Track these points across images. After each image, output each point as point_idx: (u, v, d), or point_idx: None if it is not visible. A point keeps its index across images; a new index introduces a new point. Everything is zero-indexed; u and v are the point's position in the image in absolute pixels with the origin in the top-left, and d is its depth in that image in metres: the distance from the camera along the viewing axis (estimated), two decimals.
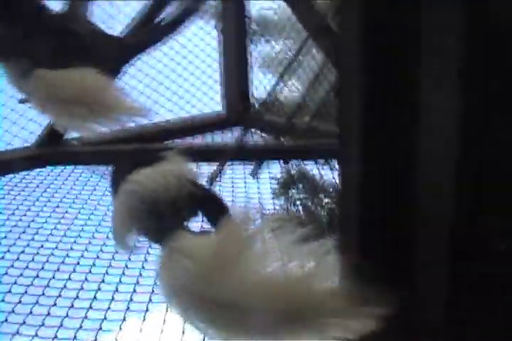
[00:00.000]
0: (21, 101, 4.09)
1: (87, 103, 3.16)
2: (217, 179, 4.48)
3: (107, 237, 3.71)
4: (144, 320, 3.24)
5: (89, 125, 3.18)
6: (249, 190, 4.61)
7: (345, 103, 1.92)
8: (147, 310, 3.30)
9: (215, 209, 2.81)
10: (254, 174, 4.68)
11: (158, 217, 2.66)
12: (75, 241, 3.79)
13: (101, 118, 3.16)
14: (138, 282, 3.49)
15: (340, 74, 1.98)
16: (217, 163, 4.51)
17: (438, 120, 1.66)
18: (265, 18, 5.57)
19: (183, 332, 3.11)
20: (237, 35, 5.31)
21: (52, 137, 4.57)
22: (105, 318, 3.23)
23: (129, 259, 3.59)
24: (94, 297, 3.37)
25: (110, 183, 3.20)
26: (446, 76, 1.60)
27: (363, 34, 1.75)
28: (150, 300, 3.35)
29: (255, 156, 4.77)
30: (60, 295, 3.34)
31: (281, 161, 4.90)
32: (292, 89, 5.28)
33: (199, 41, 5.35)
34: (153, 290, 3.37)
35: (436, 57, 1.63)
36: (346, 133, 1.93)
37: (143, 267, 3.57)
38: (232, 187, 4.58)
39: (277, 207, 4.64)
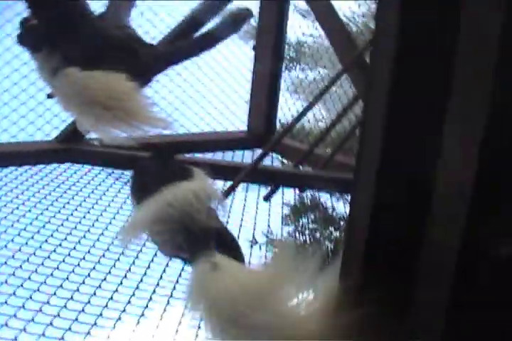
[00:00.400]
0: (49, 96, 4.14)
1: (109, 107, 3.18)
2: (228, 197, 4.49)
3: (112, 242, 3.72)
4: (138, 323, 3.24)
5: (109, 129, 3.21)
6: (259, 212, 4.60)
7: (366, 141, 1.92)
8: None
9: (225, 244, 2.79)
10: (268, 197, 4.67)
11: (190, 233, 2.67)
12: (79, 241, 3.78)
13: (122, 124, 3.18)
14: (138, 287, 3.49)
15: (366, 112, 1.98)
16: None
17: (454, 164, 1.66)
18: (303, 46, 5.60)
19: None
20: (273, 58, 5.33)
21: (75, 134, 4.58)
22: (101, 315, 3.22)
23: (134, 263, 3.61)
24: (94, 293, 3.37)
25: (132, 186, 3.24)
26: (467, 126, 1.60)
27: (391, 83, 1.76)
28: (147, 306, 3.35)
29: (271, 180, 4.75)
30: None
31: (297, 188, 4.89)
32: (319, 119, 5.30)
33: (235, 60, 5.37)
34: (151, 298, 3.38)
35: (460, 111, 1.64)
36: (362, 170, 1.94)
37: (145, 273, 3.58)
38: (244, 207, 4.58)
39: (285, 234, 4.65)
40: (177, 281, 3.48)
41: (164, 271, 3.58)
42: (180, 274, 3.48)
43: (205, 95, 5.26)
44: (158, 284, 3.50)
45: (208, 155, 5.16)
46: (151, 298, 3.39)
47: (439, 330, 1.74)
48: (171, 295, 3.42)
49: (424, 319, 1.82)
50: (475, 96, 1.54)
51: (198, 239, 2.64)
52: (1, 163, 4.38)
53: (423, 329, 1.81)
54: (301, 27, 5.55)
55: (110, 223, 4.00)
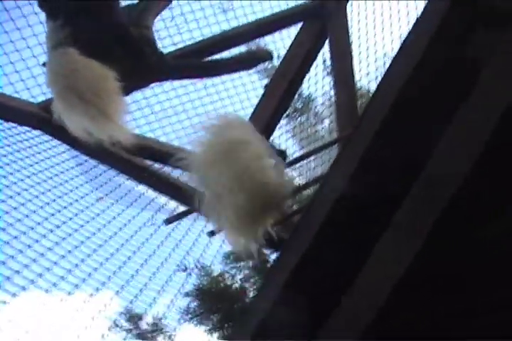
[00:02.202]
0: (43, 65, 4.10)
1: (86, 99, 3.14)
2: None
3: None
4: None
5: (75, 119, 3.17)
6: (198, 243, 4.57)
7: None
8: None
9: None
10: (212, 234, 4.61)
11: None
12: None
13: (89, 120, 3.14)
14: None
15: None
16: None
17: None
18: (312, 101, 5.59)
19: None
20: (278, 103, 5.30)
21: None
22: None
23: None
24: None
25: None
26: None
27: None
28: None
29: None
30: None
31: None
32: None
33: (243, 91, 5.35)
34: None
35: None
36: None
37: None
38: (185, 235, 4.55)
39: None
40: None
41: None
42: None
43: (199, 114, 5.21)
44: None
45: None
46: None
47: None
48: None
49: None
50: None
51: None
52: None
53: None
54: (317, 83, 5.50)
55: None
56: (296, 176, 5.24)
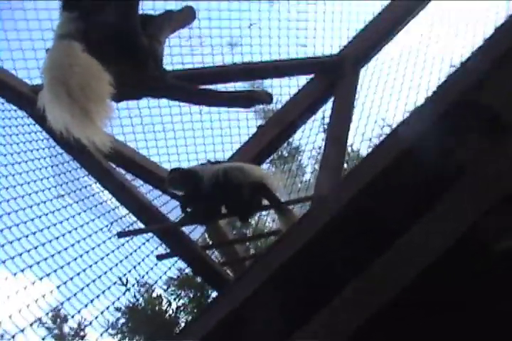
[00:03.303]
0: (46, 51, 4.07)
1: (74, 97, 3.09)
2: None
3: None
4: None
5: (57, 112, 3.12)
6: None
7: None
8: None
9: None
10: (161, 258, 4.55)
11: None
12: None
13: (70, 117, 3.09)
14: None
15: None
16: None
17: None
18: (299, 153, 5.59)
19: None
20: (266, 146, 5.29)
21: None
22: None
23: None
24: None
25: None
26: None
27: None
28: None
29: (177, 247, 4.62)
30: None
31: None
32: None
33: (235, 126, 5.33)
34: None
35: None
36: None
37: None
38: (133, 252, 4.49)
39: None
40: None
41: None
42: None
43: (186, 137, 5.17)
44: None
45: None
46: None
47: None
48: None
49: None
50: None
51: None
52: None
53: None
54: (309, 136, 5.50)
55: None
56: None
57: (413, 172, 1.84)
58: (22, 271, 3.58)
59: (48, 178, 4.22)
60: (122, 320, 4.42)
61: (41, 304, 3.68)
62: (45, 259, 3.80)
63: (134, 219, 4.52)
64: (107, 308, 4.05)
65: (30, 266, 3.63)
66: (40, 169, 4.22)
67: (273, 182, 4.37)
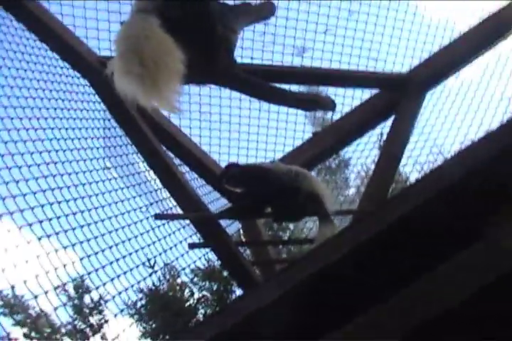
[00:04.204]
0: (121, 23, 4.07)
1: (147, 68, 3.08)
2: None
3: None
4: None
5: (125, 79, 3.10)
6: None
7: None
8: None
9: None
10: (193, 246, 4.51)
11: None
12: None
13: (139, 85, 3.07)
14: None
15: None
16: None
17: None
18: (347, 163, 5.54)
19: None
20: (317, 155, 5.25)
21: None
22: None
23: None
24: None
25: None
26: None
27: None
28: None
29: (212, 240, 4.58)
30: None
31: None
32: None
33: (291, 129, 5.29)
34: None
35: None
36: None
37: None
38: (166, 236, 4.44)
39: None
40: None
41: None
42: None
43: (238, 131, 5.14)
44: None
45: None
46: None
47: None
48: None
49: None
50: None
51: None
52: None
53: None
54: (363, 151, 5.43)
55: None
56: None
57: (454, 211, 1.83)
58: (48, 236, 3.52)
59: (98, 149, 4.20)
60: (142, 302, 4.37)
61: (63, 272, 3.62)
62: (75, 229, 3.73)
63: (174, 203, 4.48)
64: (131, 287, 3.99)
65: (57, 233, 3.56)
66: (92, 138, 4.20)
67: (329, 196, 4.35)
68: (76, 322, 4.14)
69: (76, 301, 4.09)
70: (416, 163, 5.20)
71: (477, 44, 5.20)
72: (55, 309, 3.54)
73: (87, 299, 4.12)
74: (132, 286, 4.01)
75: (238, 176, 4.23)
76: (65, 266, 3.49)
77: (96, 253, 3.73)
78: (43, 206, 3.51)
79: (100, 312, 4.15)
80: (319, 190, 4.20)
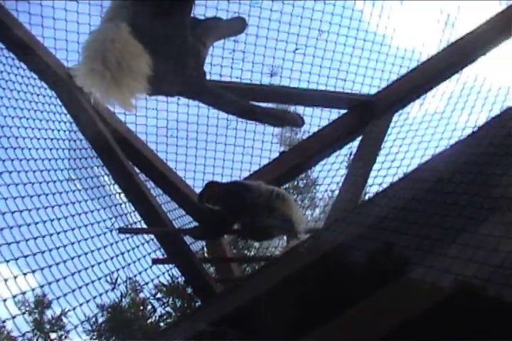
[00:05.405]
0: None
1: (109, 67, 3.10)
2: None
3: None
4: None
5: (86, 74, 3.11)
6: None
7: None
8: None
9: None
10: (156, 262, 4.44)
11: None
12: None
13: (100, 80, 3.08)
14: None
15: None
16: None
17: None
18: (315, 183, 5.54)
19: None
20: (284, 175, 5.24)
21: None
22: None
23: None
24: None
25: None
26: None
27: None
28: None
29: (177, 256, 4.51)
30: None
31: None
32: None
33: (258, 148, 5.27)
34: None
35: None
36: None
37: None
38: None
39: None
40: None
41: None
42: None
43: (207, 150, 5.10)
44: None
45: None
46: None
47: None
48: None
49: None
50: None
51: None
52: None
53: None
54: (330, 171, 5.41)
55: None
56: None
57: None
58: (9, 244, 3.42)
59: (62, 160, 4.13)
60: (102, 318, 4.29)
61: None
62: (36, 238, 3.64)
63: (139, 218, 4.42)
64: (92, 299, 3.89)
65: (18, 242, 3.47)
66: (57, 149, 4.14)
67: (301, 219, 4.46)
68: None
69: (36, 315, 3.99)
70: (382, 183, 5.19)
71: (443, 68, 5.25)
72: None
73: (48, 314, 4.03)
74: (94, 299, 3.91)
75: (219, 194, 4.24)
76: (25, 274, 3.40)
77: (57, 264, 3.64)
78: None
79: (61, 328, 4.06)
80: (294, 212, 4.22)
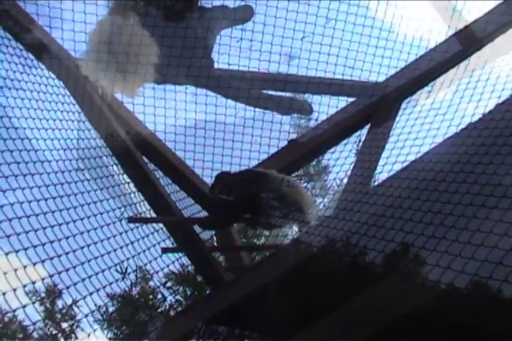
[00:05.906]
0: None
1: (115, 52, 3.10)
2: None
3: None
4: None
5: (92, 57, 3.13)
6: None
7: None
8: None
9: None
10: (166, 251, 4.45)
11: None
12: None
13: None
14: None
15: None
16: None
17: None
18: (326, 171, 5.53)
19: None
20: (292, 163, 5.24)
21: None
22: None
23: None
24: None
25: None
26: None
27: None
28: None
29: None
30: None
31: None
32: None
33: (266, 136, 5.26)
34: None
35: None
36: None
37: None
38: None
39: None
40: None
41: None
42: None
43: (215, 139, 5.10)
44: None
45: None
46: None
47: None
48: None
49: None
50: None
51: None
52: None
53: None
54: (338, 159, 5.41)
55: None
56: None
57: None
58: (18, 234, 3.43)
59: (71, 150, 4.15)
60: (112, 308, 4.30)
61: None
62: (45, 228, 3.65)
63: (148, 207, 4.43)
64: (102, 288, 3.90)
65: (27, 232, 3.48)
66: (66, 140, 4.15)
67: (311, 208, 4.46)
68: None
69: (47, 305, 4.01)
70: (391, 170, 5.18)
71: (451, 55, 5.23)
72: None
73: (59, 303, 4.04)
74: (104, 288, 3.92)
75: (233, 184, 4.24)
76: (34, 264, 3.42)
77: (67, 254, 3.66)
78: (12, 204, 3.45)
79: (72, 318, 4.07)
80: (304, 200, 4.21)
